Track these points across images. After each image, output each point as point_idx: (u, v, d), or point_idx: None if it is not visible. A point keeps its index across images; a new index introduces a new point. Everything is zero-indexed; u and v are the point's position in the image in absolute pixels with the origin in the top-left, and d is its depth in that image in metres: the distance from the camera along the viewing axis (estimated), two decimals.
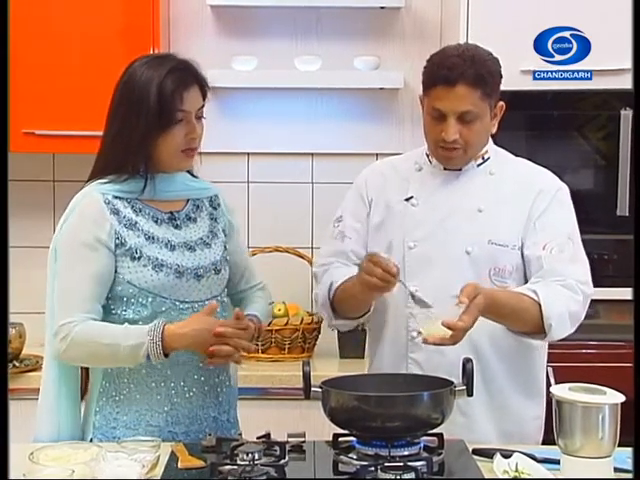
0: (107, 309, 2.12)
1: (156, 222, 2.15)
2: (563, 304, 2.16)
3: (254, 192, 3.58)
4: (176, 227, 2.18)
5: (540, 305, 2.13)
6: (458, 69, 2.15)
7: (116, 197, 2.12)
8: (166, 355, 2.04)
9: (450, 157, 2.24)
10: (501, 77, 2.25)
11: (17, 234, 3.35)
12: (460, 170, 2.29)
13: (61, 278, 2.10)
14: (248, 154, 3.58)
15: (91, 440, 2.12)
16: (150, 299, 2.10)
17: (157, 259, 2.10)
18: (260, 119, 3.54)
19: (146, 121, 2.06)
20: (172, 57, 2.15)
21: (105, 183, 2.12)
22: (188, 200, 2.23)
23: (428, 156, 2.33)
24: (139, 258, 2.09)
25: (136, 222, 2.12)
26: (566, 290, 2.18)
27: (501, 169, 2.31)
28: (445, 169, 2.30)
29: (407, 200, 2.31)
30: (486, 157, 2.31)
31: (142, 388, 2.12)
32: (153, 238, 2.12)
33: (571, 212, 2.30)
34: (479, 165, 2.30)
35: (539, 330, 2.16)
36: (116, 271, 2.09)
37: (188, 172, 2.25)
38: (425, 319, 2.02)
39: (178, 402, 2.14)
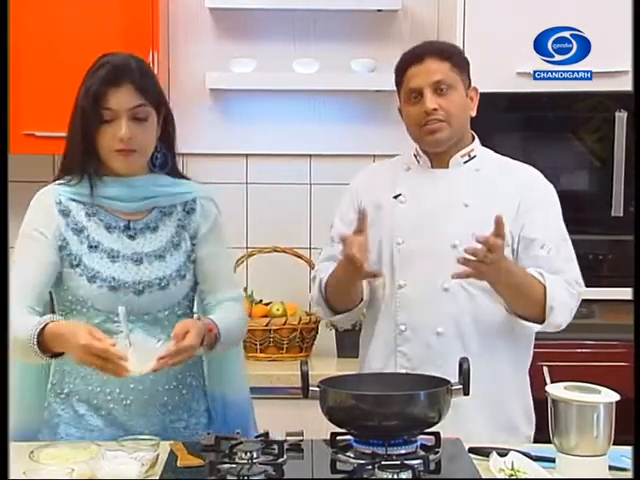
0: (66, 311, 2.10)
1: (108, 229, 2.10)
2: (565, 293, 2.21)
3: (252, 193, 3.60)
4: (129, 237, 2.11)
5: (545, 287, 2.17)
6: (423, 47, 2.35)
7: (72, 199, 2.10)
8: (53, 355, 1.95)
9: (435, 131, 2.27)
10: (468, 64, 2.34)
11: (18, 235, 3.36)
12: (447, 167, 2.33)
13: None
14: (246, 155, 3.59)
15: (38, 436, 2.10)
16: (85, 310, 2.07)
17: (93, 269, 2.06)
18: (258, 121, 3.56)
19: (81, 120, 2.05)
20: (116, 56, 2.10)
21: (61, 184, 2.12)
22: (154, 207, 2.14)
23: (416, 157, 2.38)
24: (77, 266, 2.06)
25: (83, 228, 2.08)
26: (566, 284, 2.23)
27: (487, 166, 2.34)
28: (432, 167, 2.34)
29: (395, 198, 2.34)
30: (472, 155, 2.35)
31: (82, 388, 2.10)
32: (96, 247, 2.08)
33: (559, 210, 2.34)
34: (465, 162, 2.34)
35: (539, 313, 2.19)
36: (62, 276, 2.08)
37: (179, 174, 2.19)
38: None
39: (115, 408, 2.10)
